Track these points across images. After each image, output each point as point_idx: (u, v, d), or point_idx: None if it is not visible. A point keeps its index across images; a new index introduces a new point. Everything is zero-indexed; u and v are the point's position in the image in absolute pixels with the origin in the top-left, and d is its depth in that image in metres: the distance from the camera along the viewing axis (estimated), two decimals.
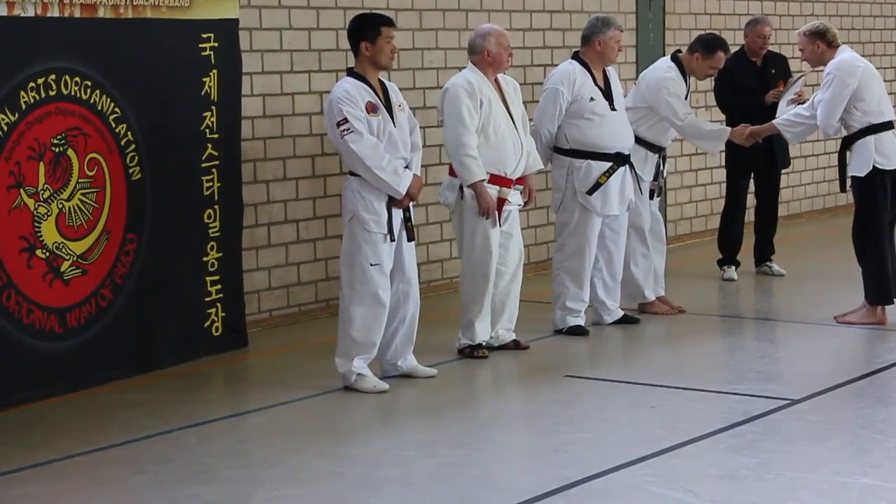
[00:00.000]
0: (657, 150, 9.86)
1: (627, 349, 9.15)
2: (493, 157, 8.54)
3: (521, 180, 8.73)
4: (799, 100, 11.03)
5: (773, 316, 10.15)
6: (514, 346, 8.88)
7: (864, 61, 9.42)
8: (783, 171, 11.72)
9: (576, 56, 9.36)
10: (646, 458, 6.55)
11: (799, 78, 11.14)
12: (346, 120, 7.77)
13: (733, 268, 11.32)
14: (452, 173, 8.68)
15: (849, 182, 9.36)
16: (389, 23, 7.98)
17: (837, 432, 6.97)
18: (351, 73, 8.00)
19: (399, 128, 7.94)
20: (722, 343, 9.32)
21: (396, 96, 8.05)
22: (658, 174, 9.89)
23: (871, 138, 9.20)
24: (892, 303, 9.36)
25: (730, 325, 9.88)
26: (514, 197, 8.72)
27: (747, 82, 11.03)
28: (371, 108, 7.85)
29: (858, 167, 9.24)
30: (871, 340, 9.05)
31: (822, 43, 9.37)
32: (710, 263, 11.46)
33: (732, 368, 8.45)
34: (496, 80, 8.70)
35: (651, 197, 9.87)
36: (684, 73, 9.89)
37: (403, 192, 7.84)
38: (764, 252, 11.45)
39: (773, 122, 9.87)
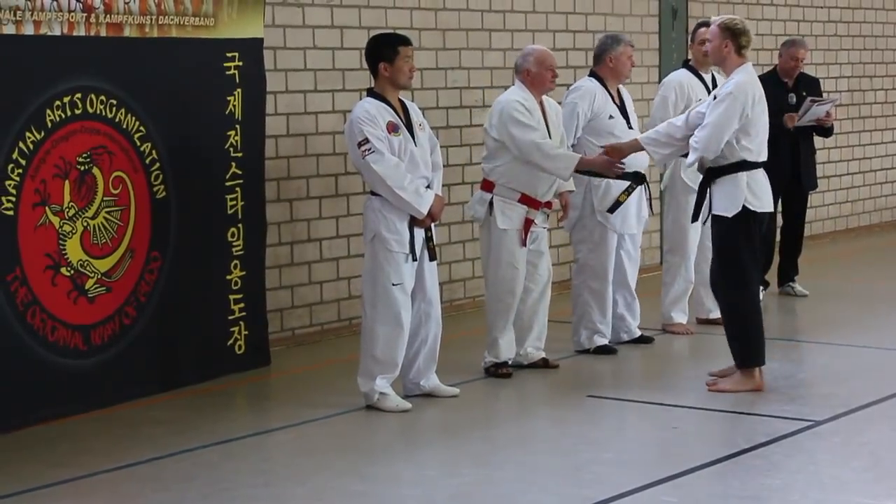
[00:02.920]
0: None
1: (649, 369, 9.14)
2: (526, 177, 8.56)
3: (549, 204, 8.75)
4: (825, 123, 11.06)
5: (796, 337, 10.13)
6: (544, 364, 8.89)
7: (760, 86, 8.29)
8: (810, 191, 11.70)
9: (593, 74, 9.37)
10: (668, 478, 6.54)
11: (826, 102, 11.12)
12: (367, 140, 7.78)
13: (764, 289, 11.31)
14: (484, 187, 8.70)
15: (703, 217, 8.31)
16: (407, 42, 7.99)
17: (861, 454, 6.95)
18: (371, 93, 8.02)
19: (420, 147, 7.96)
20: None
21: (417, 115, 8.07)
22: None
23: (743, 175, 8.10)
24: (764, 362, 8.30)
25: None
26: (541, 219, 8.74)
27: (775, 104, 10.98)
28: (392, 128, 7.86)
29: (727, 206, 8.10)
30: (893, 362, 9.02)
31: (732, 44, 8.12)
32: None
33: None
34: (541, 102, 8.72)
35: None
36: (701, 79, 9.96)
37: (425, 212, 7.85)
38: (787, 272, 11.44)
39: (639, 137, 8.62)
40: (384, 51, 7.93)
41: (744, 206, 8.06)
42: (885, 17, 16.04)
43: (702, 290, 10.22)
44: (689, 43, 10.17)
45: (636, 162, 9.17)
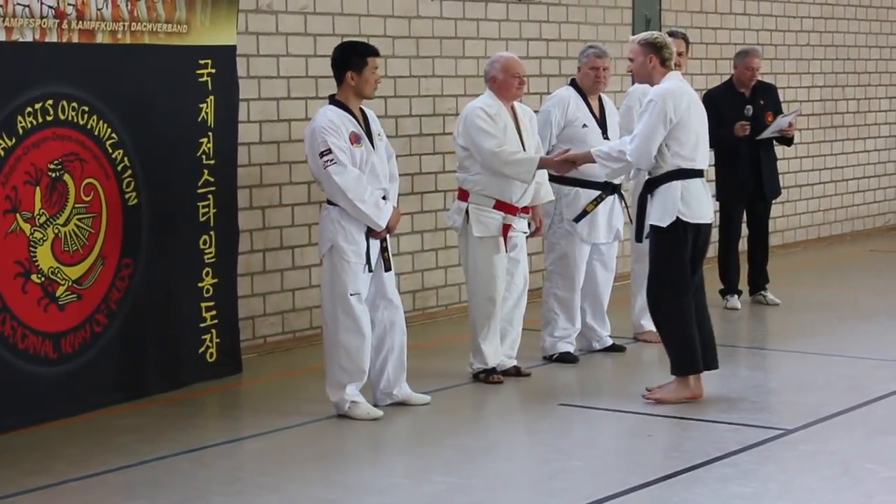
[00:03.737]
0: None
1: (621, 377, 9.15)
2: (499, 184, 8.57)
3: (527, 209, 8.77)
4: (787, 134, 11.12)
5: (767, 345, 10.17)
6: (516, 372, 8.89)
7: (692, 93, 8.24)
8: (776, 200, 11.75)
9: (573, 83, 9.40)
10: (640, 486, 6.55)
11: (789, 113, 11.19)
12: (329, 151, 7.75)
13: (736, 297, 11.36)
14: (460, 196, 8.71)
15: (646, 231, 8.22)
16: (375, 53, 7.97)
17: (831, 462, 6.97)
18: (333, 101, 7.99)
19: (379, 157, 7.95)
20: (716, 372, 9.28)
21: (375, 125, 8.06)
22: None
23: (677, 184, 7.99)
24: (702, 370, 8.22)
25: (723, 354, 9.82)
26: (521, 224, 8.76)
27: (733, 114, 11.03)
28: (355, 139, 7.84)
29: (660, 216, 8.03)
30: (865, 370, 9.06)
31: (655, 58, 8.11)
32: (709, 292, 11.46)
33: (726, 398, 8.44)
34: (512, 108, 8.73)
35: None
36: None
37: (384, 225, 7.85)
38: (757, 281, 11.48)
39: (592, 149, 8.48)
40: (353, 59, 7.91)
41: (677, 217, 7.97)
42: (857, 26, 16.11)
43: None
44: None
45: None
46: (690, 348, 8.14)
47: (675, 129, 7.96)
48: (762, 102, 11.19)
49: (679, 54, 10.02)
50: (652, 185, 8.10)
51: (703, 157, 8.15)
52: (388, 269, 8.04)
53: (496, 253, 8.63)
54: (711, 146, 11.24)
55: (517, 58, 8.85)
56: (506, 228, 8.63)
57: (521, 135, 8.68)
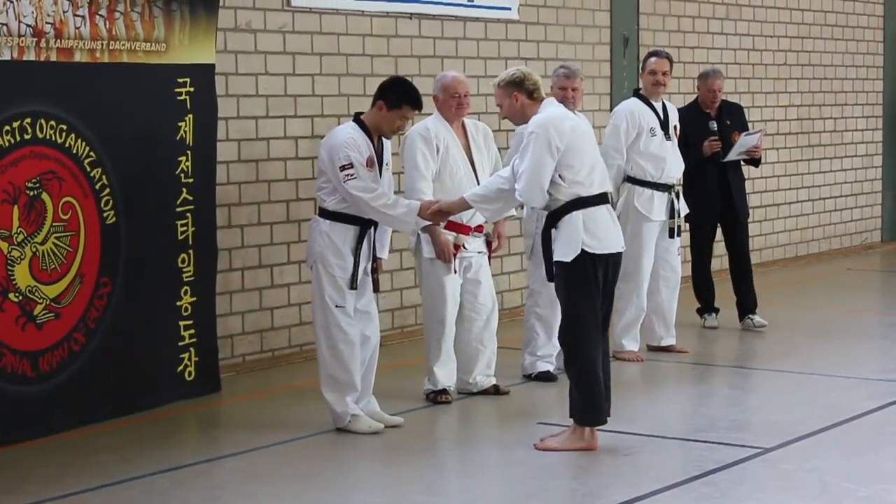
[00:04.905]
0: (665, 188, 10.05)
1: None
2: None
3: (480, 227, 8.75)
4: (754, 155, 11.11)
5: (745, 364, 10.18)
6: (495, 391, 8.90)
7: (574, 118, 7.80)
8: (752, 220, 11.73)
9: None
10: None
11: (754, 133, 11.17)
12: (351, 165, 7.79)
13: (714, 315, 11.37)
14: None
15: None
16: (415, 106, 7.95)
17: (808, 481, 6.99)
18: (357, 119, 8.02)
19: (383, 186, 7.98)
20: (693, 390, 9.33)
21: (387, 154, 8.09)
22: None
23: (579, 215, 7.42)
24: (605, 421, 7.60)
25: (701, 373, 9.89)
26: (474, 244, 8.75)
27: (699, 135, 10.99)
28: (370, 164, 7.88)
29: (564, 250, 7.43)
30: (842, 389, 9.08)
31: (520, 94, 7.63)
32: (689, 310, 11.50)
33: (704, 416, 8.46)
34: (462, 126, 8.75)
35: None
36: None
37: (417, 209, 7.86)
38: (745, 305, 11.36)
39: (465, 195, 7.89)
40: (392, 95, 7.92)
41: (582, 249, 7.39)
42: (834, 46, 16.19)
43: (653, 318, 10.28)
44: (640, 71, 10.22)
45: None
46: (598, 397, 7.52)
47: (564, 157, 7.42)
48: (728, 122, 11.15)
49: (664, 73, 10.10)
50: (553, 218, 7.54)
51: (603, 182, 7.60)
52: (375, 290, 8.05)
53: (447, 274, 8.64)
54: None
55: (460, 77, 8.84)
56: (456, 248, 8.63)
57: (471, 153, 8.70)
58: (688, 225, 11.20)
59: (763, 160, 11.85)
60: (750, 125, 11.84)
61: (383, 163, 8.02)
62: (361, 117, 8.01)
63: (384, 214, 7.82)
